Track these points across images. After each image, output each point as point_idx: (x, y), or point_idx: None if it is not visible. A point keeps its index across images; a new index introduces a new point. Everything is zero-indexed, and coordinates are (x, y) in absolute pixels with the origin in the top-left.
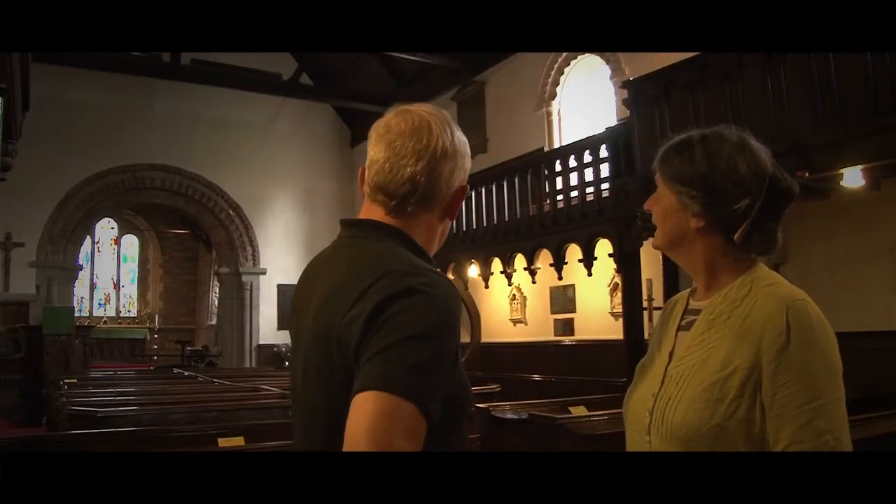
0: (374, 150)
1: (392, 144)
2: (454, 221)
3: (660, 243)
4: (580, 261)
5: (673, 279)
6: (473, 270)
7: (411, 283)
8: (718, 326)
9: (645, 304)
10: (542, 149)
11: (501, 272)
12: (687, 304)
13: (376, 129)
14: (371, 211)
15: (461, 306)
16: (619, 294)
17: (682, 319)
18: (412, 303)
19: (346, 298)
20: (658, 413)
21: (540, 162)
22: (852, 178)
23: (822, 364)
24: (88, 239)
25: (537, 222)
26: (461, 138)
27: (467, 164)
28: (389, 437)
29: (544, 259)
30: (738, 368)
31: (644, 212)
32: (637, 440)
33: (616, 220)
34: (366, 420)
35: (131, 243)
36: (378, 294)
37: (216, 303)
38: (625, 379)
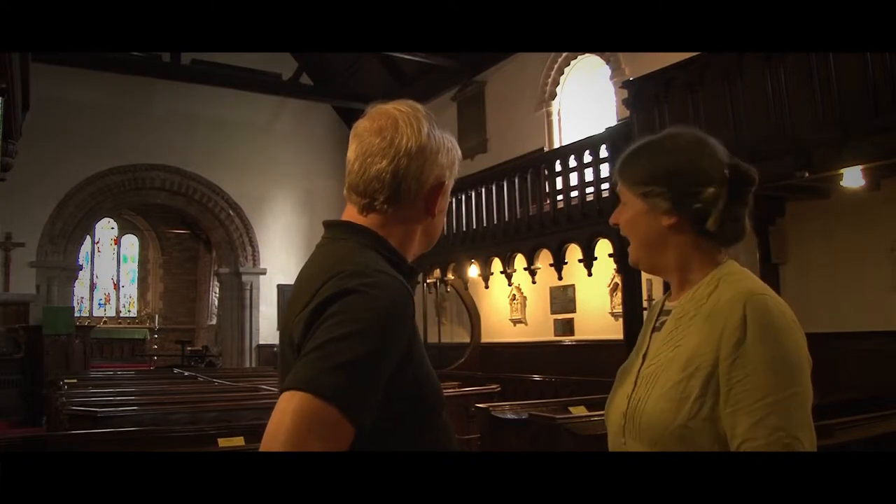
0: (349, 150)
1: (361, 143)
2: (454, 221)
3: (637, 254)
4: (580, 261)
5: None
6: (473, 270)
7: (352, 283)
8: (685, 325)
9: (645, 304)
10: (542, 149)
11: (501, 272)
12: (662, 305)
13: (353, 130)
14: (347, 211)
15: (408, 307)
16: (619, 294)
17: (656, 321)
18: (348, 304)
19: (301, 300)
20: (630, 415)
21: (540, 162)
22: (852, 178)
23: (779, 359)
24: (88, 239)
25: (537, 222)
26: (436, 134)
27: (443, 160)
28: (302, 436)
29: (544, 259)
30: (701, 366)
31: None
32: (615, 443)
33: None
34: (282, 419)
35: (131, 243)
36: (321, 296)
37: (216, 303)
38: None
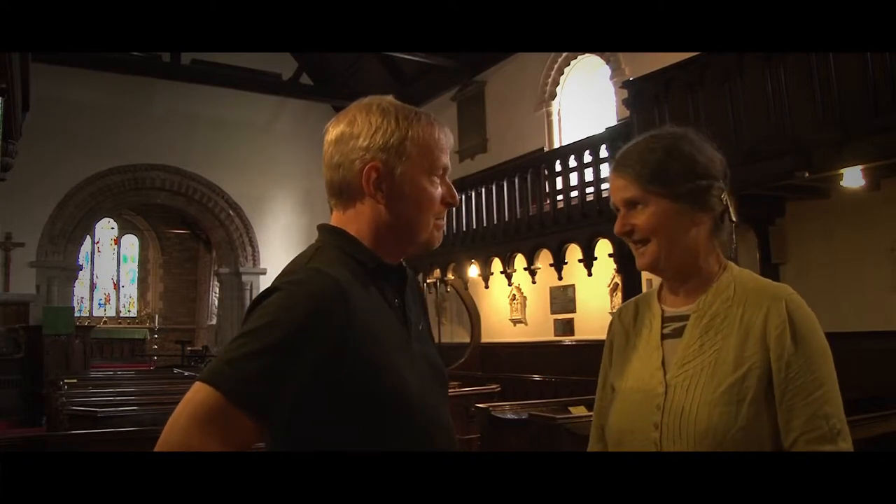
0: None
1: None
2: (454, 221)
3: (662, 255)
4: (580, 261)
5: None
6: (473, 270)
7: (279, 282)
8: (717, 328)
9: None
10: (542, 149)
11: (501, 272)
12: (662, 311)
13: None
14: None
15: (333, 302)
16: (619, 294)
17: (663, 328)
18: (267, 300)
19: None
20: (671, 425)
21: (540, 162)
22: (852, 178)
23: (822, 352)
24: (88, 239)
25: (537, 222)
26: (361, 119)
27: (363, 143)
28: (195, 425)
29: (544, 259)
30: (753, 367)
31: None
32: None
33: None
34: (182, 408)
35: (131, 243)
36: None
37: (216, 303)
38: None
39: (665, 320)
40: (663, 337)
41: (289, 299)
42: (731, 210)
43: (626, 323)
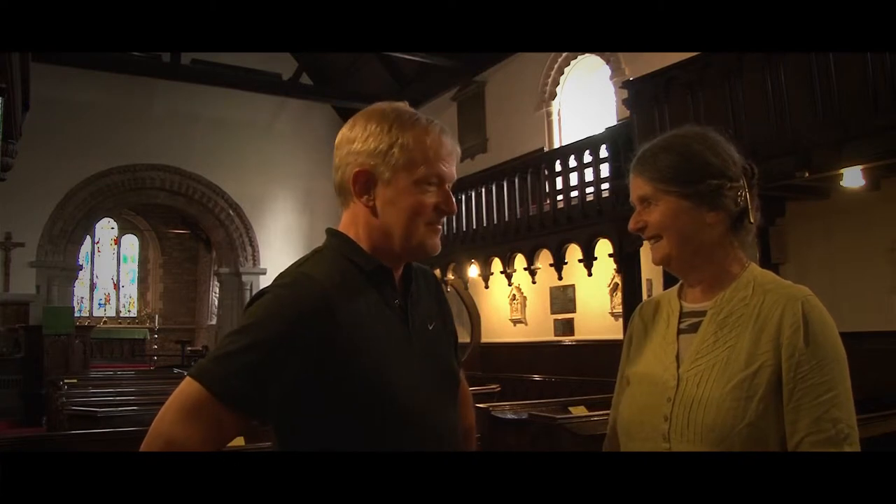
0: None
1: None
2: (454, 221)
3: (674, 252)
4: (580, 261)
5: (673, 279)
6: (473, 270)
7: (270, 284)
8: (732, 325)
9: None
10: (542, 149)
11: (501, 272)
12: (681, 307)
13: None
14: None
15: (317, 306)
16: (619, 294)
17: (680, 323)
18: (257, 302)
19: None
20: (680, 417)
21: (540, 162)
22: (852, 178)
23: (836, 356)
24: (88, 239)
25: (537, 222)
26: (361, 125)
27: (358, 147)
28: (181, 415)
29: (544, 259)
30: (764, 365)
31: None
32: (650, 448)
33: (616, 220)
34: (171, 400)
35: (131, 243)
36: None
37: (216, 303)
38: None
39: (683, 316)
40: (679, 332)
41: (275, 302)
42: (750, 210)
43: (645, 318)
